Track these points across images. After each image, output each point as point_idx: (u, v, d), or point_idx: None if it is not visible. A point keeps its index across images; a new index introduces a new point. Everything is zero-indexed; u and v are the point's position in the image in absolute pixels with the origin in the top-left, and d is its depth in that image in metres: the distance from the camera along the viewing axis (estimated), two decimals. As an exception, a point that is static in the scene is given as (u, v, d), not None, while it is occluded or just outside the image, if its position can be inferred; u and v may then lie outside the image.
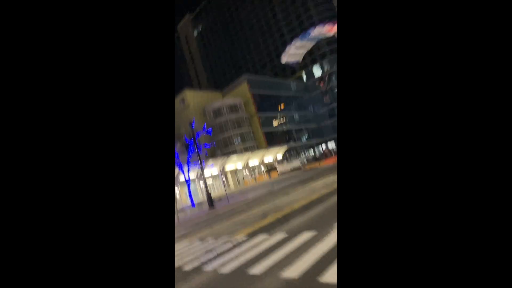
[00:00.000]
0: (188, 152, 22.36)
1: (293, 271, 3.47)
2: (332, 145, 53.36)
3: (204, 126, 25.68)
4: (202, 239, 7.51)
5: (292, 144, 48.31)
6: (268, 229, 6.41)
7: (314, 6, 59.43)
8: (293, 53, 22.47)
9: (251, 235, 6.25)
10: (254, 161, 41.07)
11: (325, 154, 47.24)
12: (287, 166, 40.87)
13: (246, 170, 41.15)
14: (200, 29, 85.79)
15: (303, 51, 22.96)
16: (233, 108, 44.27)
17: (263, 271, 3.79)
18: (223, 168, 35.84)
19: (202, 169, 18.36)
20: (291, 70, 59.66)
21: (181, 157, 22.86)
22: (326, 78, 55.11)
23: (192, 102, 44.49)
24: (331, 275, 3.06)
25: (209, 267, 4.65)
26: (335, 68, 52.87)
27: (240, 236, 6.42)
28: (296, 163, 40.25)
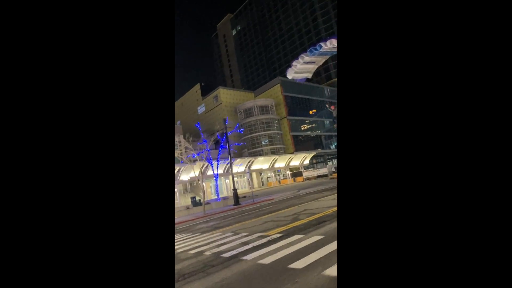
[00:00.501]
0: (219, 149, 23.02)
1: (335, 270, 3.52)
2: (361, 155, 51.55)
3: (237, 125, 26.22)
4: (234, 232, 7.77)
5: (320, 150, 47.69)
6: (302, 229, 6.49)
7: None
8: (300, 68, 19.57)
9: (285, 234, 6.36)
10: (280, 163, 41.07)
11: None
12: (313, 173, 40.41)
13: (271, 171, 41.25)
14: (238, 29, 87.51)
15: (313, 66, 20.04)
16: (264, 109, 44.64)
17: (304, 266, 3.89)
18: (249, 167, 36.25)
19: (231, 166, 18.83)
20: (326, 75, 58.80)
21: (212, 152, 23.56)
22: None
23: (225, 100, 45.52)
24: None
25: (248, 257, 4.85)
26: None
27: (274, 233, 6.57)
28: (323, 170, 39.66)
